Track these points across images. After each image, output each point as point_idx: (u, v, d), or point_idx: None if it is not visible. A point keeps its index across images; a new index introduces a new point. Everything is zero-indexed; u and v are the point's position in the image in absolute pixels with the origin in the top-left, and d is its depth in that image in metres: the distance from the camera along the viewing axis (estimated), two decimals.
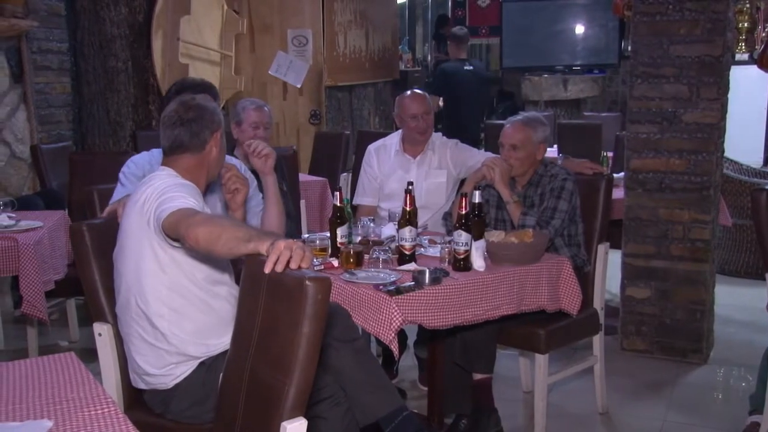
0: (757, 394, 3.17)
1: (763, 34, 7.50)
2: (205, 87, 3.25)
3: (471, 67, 7.07)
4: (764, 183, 5.42)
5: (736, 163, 5.73)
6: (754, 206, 2.91)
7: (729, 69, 4.05)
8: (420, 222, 3.04)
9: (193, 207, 2.15)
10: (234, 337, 2.04)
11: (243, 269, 2.00)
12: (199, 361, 2.35)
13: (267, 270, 1.81)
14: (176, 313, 2.32)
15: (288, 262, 1.81)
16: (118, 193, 3.01)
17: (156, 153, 3.20)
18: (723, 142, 4.09)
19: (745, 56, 7.69)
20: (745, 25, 7.46)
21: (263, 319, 1.87)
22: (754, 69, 7.86)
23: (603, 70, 9.56)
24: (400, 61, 9.08)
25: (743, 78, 6.14)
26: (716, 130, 3.94)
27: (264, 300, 1.87)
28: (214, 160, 2.46)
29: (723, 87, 3.95)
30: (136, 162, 3.11)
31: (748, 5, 7.46)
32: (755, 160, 6.84)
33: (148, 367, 2.36)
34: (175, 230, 2.09)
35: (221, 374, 2.12)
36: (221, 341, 2.32)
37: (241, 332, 1.97)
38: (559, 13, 9.54)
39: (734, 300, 4.88)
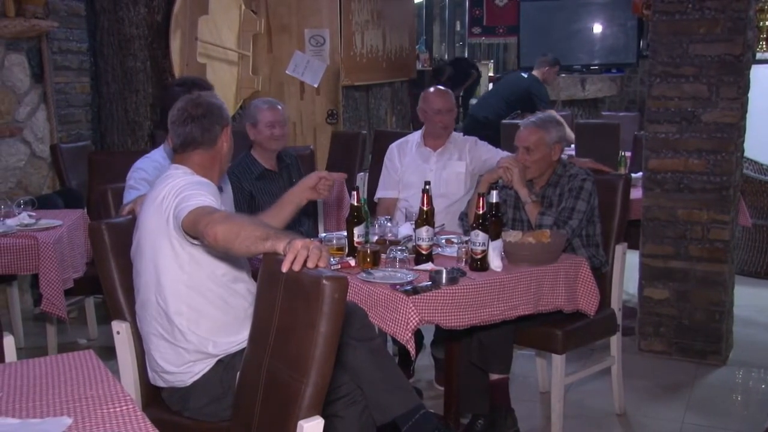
0: None
1: None
2: (203, 83, 3.31)
3: None
4: None
5: (756, 162, 5.67)
6: None
7: (749, 68, 4.02)
8: (438, 209, 3.05)
9: (212, 204, 2.17)
10: (251, 336, 2.05)
11: (260, 268, 2.00)
12: (217, 358, 2.36)
13: (284, 269, 1.82)
14: (195, 310, 2.33)
15: (305, 262, 1.81)
16: (129, 197, 3.03)
17: (154, 155, 3.24)
18: (743, 141, 4.06)
19: (767, 55, 7.61)
20: (767, 23, 7.38)
21: (280, 318, 1.87)
22: None
23: (621, 69, 9.50)
24: (417, 61, 9.06)
25: (764, 77, 6.08)
26: (736, 129, 3.91)
27: (281, 299, 1.87)
28: (225, 155, 2.49)
29: (743, 86, 3.92)
30: (144, 168, 3.14)
31: None
32: None
33: (167, 364, 2.37)
34: (195, 228, 2.11)
35: (239, 372, 2.13)
36: (238, 338, 2.33)
37: (259, 331, 1.98)
38: (576, 12, 9.50)
39: (754, 301, 4.84)
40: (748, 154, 4.45)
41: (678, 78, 3.97)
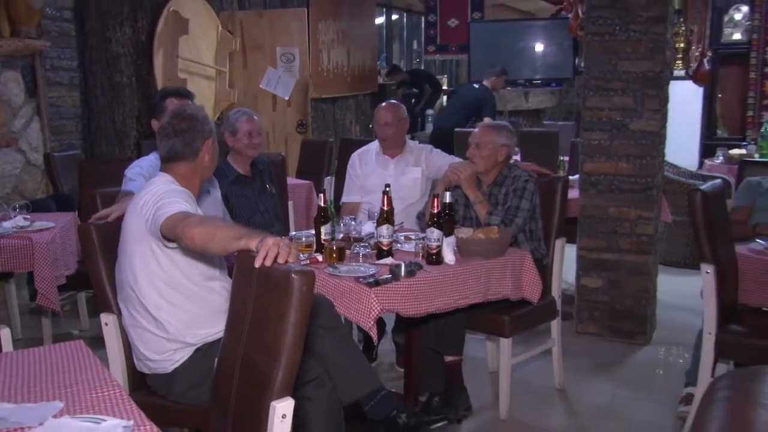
0: (691, 369, 3.22)
1: (697, 53, 7.62)
2: (185, 93, 3.27)
3: None
4: (699, 184, 5.44)
5: (675, 166, 5.79)
6: (691, 204, 2.94)
7: (668, 83, 4.09)
8: (396, 211, 3.06)
9: (188, 210, 2.14)
10: (228, 325, 2.03)
11: (235, 264, 1.99)
12: (196, 347, 2.34)
13: (257, 265, 1.80)
14: (174, 306, 2.31)
15: (276, 258, 1.80)
16: (126, 188, 3.00)
17: (150, 156, 3.20)
18: (664, 147, 4.13)
19: (682, 72, 7.80)
20: (681, 45, 7.56)
21: (254, 309, 1.86)
22: (689, 84, 7.97)
23: (560, 83, 9.64)
24: (378, 76, 9.06)
25: (680, 91, 6.21)
26: (658, 137, 3.98)
27: (254, 292, 1.86)
28: (206, 166, 2.44)
29: (663, 99, 3.99)
30: (140, 165, 3.11)
31: (683, 28, 7.57)
32: (691, 164, 6.96)
33: (150, 353, 2.34)
34: (173, 232, 2.08)
35: (216, 359, 2.11)
36: (215, 330, 2.31)
37: (235, 321, 1.96)
38: (520, 32, 9.61)
39: (674, 288, 4.92)
40: (668, 158, 4.53)
41: (608, 91, 4.02)
